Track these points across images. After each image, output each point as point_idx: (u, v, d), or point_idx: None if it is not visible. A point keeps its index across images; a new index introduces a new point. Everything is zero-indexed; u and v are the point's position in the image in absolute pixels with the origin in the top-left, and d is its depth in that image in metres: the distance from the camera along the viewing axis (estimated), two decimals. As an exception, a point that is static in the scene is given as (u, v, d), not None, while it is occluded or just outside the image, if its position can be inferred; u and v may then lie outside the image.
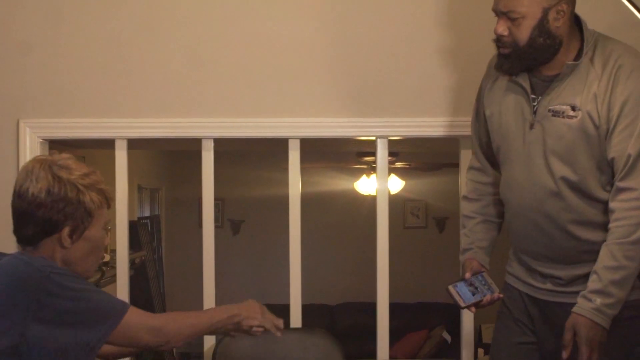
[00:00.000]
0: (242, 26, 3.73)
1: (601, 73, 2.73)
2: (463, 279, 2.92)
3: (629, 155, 2.67)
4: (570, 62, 2.77)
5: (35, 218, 2.33)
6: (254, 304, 2.57)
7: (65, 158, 2.40)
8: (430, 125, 3.74)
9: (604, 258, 2.67)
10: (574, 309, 2.67)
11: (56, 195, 2.32)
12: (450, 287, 2.87)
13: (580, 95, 2.73)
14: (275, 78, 3.74)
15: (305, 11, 3.74)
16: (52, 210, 2.32)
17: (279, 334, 2.59)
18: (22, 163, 3.50)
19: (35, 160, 2.39)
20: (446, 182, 8.22)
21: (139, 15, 3.74)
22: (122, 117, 3.73)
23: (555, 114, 2.76)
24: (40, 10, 3.71)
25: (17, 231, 2.38)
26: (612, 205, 2.70)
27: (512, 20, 2.74)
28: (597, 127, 2.72)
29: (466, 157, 3.75)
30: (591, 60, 2.76)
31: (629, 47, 2.82)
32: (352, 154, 7.33)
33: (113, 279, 4.50)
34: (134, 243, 5.07)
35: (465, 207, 3.16)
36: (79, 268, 2.39)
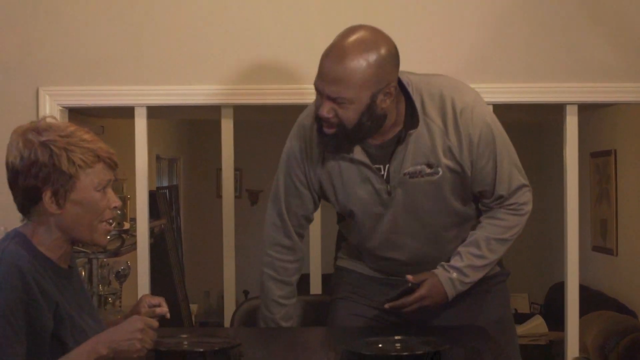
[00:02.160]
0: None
1: (443, 126, 2.72)
2: None
3: (510, 187, 2.81)
4: (411, 132, 2.71)
5: (17, 187, 2.25)
6: (117, 327, 2.24)
7: (47, 120, 2.29)
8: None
9: (471, 245, 2.82)
10: (433, 270, 2.80)
11: (27, 160, 2.22)
12: None
13: (434, 152, 2.73)
14: (295, 43, 3.73)
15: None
16: (27, 176, 2.22)
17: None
18: (42, 131, 3.50)
19: (16, 129, 2.29)
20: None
21: (158, -18, 3.73)
22: (141, 84, 3.72)
23: (412, 175, 2.75)
24: (60, -22, 3.71)
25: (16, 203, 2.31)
26: (495, 208, 2.85)
27: (339, 103, 2.63)
28: (459, 173, 2.76)
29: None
30: (425, 114, 2.72)
31: (453, 82, 2.81)
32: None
33: (133, 247, 4.51)
34: (153, 213, 5.08)
35: (273, 290, 2.97)
36: (79, 233, 2.31)
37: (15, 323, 2.11)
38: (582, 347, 4.07)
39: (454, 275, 2.79)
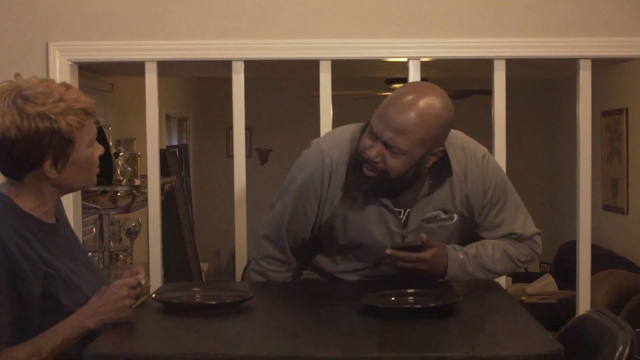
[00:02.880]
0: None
1: (463, 176, 2.80)
2: None
3: (525, 227, 2.92)
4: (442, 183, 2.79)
5: (12, 156, 2.19)
6: (102, 299, 2.23)
7: (32, 86, 2.21)
8: (464, 46, 3.69)
9: (484, 246, 2.87)
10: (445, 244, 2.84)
11: (27, 131, 2.16)
12: None
13: (452, 200, 2.80)
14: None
15: None
16: (27, 146, 2.17)
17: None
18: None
19: None
20: (475, 109, 8.14)
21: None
22: (152, 39, 3.71)
23: (429, 220, 2.80)
24: None
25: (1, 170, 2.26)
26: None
27: (392, 152, 2.63)
28: (469, 219, 2.85)
29: (500, 80, 3.72)
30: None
31: (466, 135, 2.90)
32: (381, 81, 7.26)
33: (143, 204, 4.52)
34: (163, 171, 5.08)
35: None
36: (75, 186, 2.33)
37: None
38: (593, 305, 4.07)
39: (461, 257, 2.81)
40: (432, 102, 2.64)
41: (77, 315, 2.20)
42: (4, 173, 2.26)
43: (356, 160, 2.71)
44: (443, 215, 2.81)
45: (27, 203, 2.26)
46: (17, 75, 2.28)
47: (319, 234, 2.87)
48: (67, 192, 2.37)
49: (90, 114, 2.27)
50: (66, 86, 2.27)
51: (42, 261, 2.19)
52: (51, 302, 2.19)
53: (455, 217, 2.82)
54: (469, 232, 2.90)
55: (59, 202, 2.44)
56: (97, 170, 2.35)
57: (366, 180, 2.70)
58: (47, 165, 2.21)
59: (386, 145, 2.62)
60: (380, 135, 2.62)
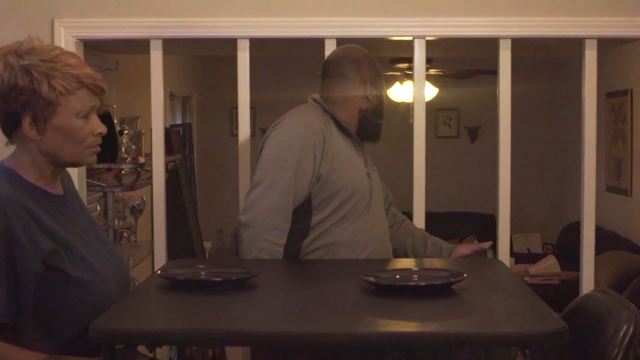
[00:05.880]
0: None
1: None
2: None
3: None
4: None
5: None
6: None
7: (32, 42, 2.22)
8: (470, 25, 3.68)
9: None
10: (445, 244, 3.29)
11: (7, 85, 2.16)
12: None
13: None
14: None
15: None
16: (7, 100, 2.17)
17: None
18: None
19: None
20: (480, 90, 8.13)
21: None
22: (157, 16, 3.69)
23: (372, 165, 3.25)
24: None
25: None
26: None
27: None
28: None
29: (505, 59, 3.71)
30: None
31: None
32: (385, 60, 7.23)
33: (147, 181, 4.51)
34: (167, 149, 5.07)
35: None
36: (62, 158, 2.26)
37: None
38: (596, 286, 4.07)
39: None
40: None
41: None
42: (2, 131, 2.26)
43: (380, 112, 3.21)
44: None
45: (28, 173, 2.25)
46: (36, 39, 2.27)
47: (317, 194, 3.01)
48: (60, 165, 2.31)
49: (86, 84, 2.22)
50: (72, 55, 2.25)
51: (48, 234, 2.18)
52: (57, 274, 2.18)
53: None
54: None
55: (66, 175, 2.43)
56: (94, 148, 2.30)
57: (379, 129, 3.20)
58: (26, 122, 2.19)
59: None
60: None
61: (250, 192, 2.99)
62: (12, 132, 2.24)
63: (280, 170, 2.96)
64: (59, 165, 2.31)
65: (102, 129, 2.30)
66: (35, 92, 2.17)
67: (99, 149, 2.33)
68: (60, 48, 2.28)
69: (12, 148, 2.30)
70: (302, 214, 3.01)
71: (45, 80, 2.17)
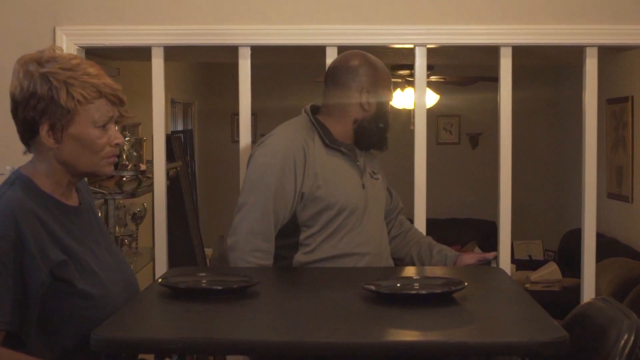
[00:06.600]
0: None
1: None
2: None
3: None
4: None
5: (17, 118, 2.22)
6: None
7: (53, 51, 2.23)
8: (471, 33, 3.69)
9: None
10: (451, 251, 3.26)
11: (26, 92, 2.17)
12: None
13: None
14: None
15: None
16: (26, 108, 2.18)
17: None
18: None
19: (20, 58, 2.24)
20: (481, 96, 8.14)
21: None
22: (159, 23, 3.70)
23: (373, 175, 3.21)
24: None
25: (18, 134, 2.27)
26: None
27: None
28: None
29: (506, 67, 3.71)
30: None
31: None
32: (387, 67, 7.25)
33: (149, 188, 4.51)
34: (168, 156, 5.08)
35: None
36: (79, 168, 2.26)
37: (5, 272, 2.08)
38: (597, 293, 4.08)
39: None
40: None
41: None
42: (20, 139, 2.27)
43: (380, 118, 3.12)
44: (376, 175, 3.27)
45: (44, 183, 2.25)
46: (58, 48, 2.29)
47: (302, 212, 2.99)
48: (77, 174, 2.31)
49: (105, 94, 2.22)
50: (92, 64, 2.26)
51: (58, 245, 2.18)
52: (64, 285, 2.17)
53: (380, 177, 3.28)
54: None
55: (84, 186, 2.44)
56: (112, 158, 2.31)
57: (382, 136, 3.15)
58: (44, 130, 2.19)
59: None
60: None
61: (235, 215, 3.01)
62: (30, 140, 2.25)
63: (260, 193, 2.97)
64: (75, 175, 2.31)
65: (120, 139, 2.31)
66: (54, 100, 2.17)
67: (116, 159, 2.33)
68: (80, 57, 2.30)
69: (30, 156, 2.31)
70: (290, 231, 3.01)
71: (64, 88, 2.18)
